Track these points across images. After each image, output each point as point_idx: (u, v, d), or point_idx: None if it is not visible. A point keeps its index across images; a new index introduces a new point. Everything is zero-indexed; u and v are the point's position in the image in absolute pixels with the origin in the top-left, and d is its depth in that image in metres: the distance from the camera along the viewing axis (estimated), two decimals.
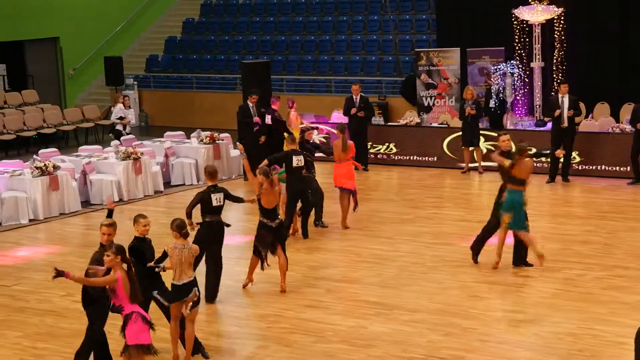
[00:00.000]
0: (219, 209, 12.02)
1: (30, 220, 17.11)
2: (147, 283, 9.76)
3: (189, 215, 11.71)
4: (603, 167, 19.01)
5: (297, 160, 14.63)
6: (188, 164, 19.97)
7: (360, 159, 20.40)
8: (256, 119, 19.65)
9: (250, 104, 19.76)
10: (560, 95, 18.54)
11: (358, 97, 20.49)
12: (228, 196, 12.13)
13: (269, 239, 12.36)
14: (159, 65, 30.06)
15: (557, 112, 18.38)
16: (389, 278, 13.03)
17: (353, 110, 20.35)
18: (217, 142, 20.42)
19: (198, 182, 19.72)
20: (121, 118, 22.15)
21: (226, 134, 20.95)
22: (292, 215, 15.02)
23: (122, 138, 21.02)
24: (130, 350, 9.05)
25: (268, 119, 19.40)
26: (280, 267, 12.50)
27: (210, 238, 11.98)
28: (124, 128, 22.17)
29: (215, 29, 30.70)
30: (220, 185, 12.21)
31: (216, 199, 11.94)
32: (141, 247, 9.92)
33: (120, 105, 22.35)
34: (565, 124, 18.42)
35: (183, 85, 29.01)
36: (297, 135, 19.57)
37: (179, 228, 10.00)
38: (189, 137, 21.13)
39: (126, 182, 18.49)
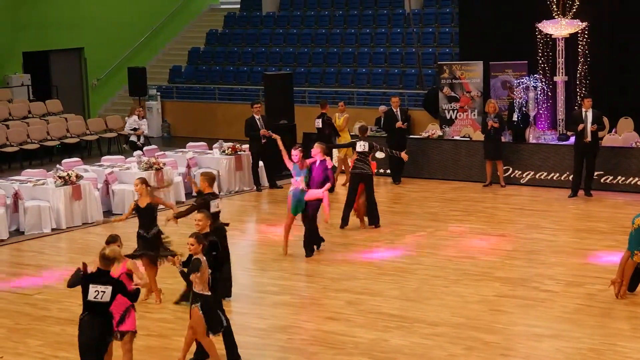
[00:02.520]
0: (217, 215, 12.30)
1: (52, 230, 17.19)
2: None
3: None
4: (626, 181, 18.90)
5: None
6: None
7: (399, 172, 20.43)
8: (263, 131, 19.69)
9: (256, 116, 19.83)
10: (584, 110, 18.48)
11: (398, 110, 20.51)
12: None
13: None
14: (182, 76, 30.18)
15: (581, 126, 18.31)
16: (411, 291, 13.01)
17: (398, 124, 20.31)
18: (238, 153, 20.46)
19: (219, 192, 19.74)
20: (135, 129, 22.08)
21: (247, 145, 20.98)
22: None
23: (145, 148, 21.09)
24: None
25: (319, 123, 19.46)
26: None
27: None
28: (138, 139, 22.10)
29: (239, 40, 30.80)
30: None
31: (215, 205, 12.30)
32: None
33: (134, 117, 22.34)
34: (589, 139, 18.35)
35: (206, 96, 29.09)
36: (347, 137, 19.89)
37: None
38: (211, 148, 21.19)
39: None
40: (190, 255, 9.95)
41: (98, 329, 9.00)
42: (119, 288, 9.08)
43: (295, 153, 14.52)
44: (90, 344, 8.98)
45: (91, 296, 8.93)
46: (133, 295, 9.38)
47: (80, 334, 9.04)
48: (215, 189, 13.12)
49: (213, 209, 12.20)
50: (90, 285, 8.94)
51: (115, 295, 9.03)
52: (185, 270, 9.90)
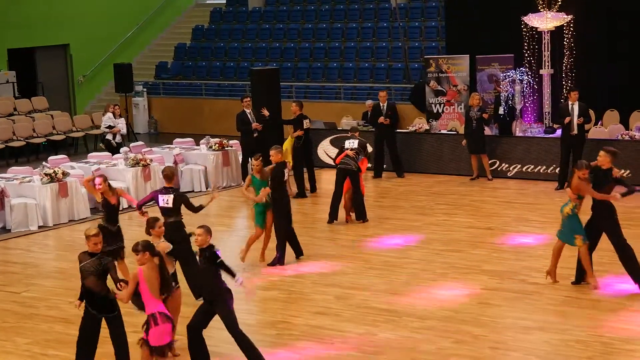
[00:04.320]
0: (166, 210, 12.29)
1: (39, 227, 17.15)
2: None
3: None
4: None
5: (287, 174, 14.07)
6: (197, 170, 20.00)
7: (395, 168, 20.47)
8: (255, 125, 19.67)
9: (247, 110, 19.81)
10: (570, 103, 18.52)
11: (385, 105, 20.50)
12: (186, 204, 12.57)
13: None
14: (168, 72, 30.11)
15: (567, 119, 18.36)
16: (399, 285, 13.03)
17: (380, 119, 20.32)
18: (226, 148, 20.44)
19: (207, 188, 19.74)
20: (110, 127, 21.79)
21: (235, 141, 20.97)
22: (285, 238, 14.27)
23: (132, 144, 20.99)
24: (154, 351, 9.44)
25: (307, 123, 19.43)
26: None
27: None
28: (114, 137, 21.73)
29: (225, 36, 30.75)
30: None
31: (164, 200, 12.30)
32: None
33: (109, 114, 21.98)
34: (575, 131, 18.40)
35: (192, 92, 29.05)
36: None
37: None
38: (198, 144, 21.15)
39: (135, 188, 18.52)
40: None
41: None
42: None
43: (256, 163, 14.08)
44: None
45: None
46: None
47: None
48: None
49: (161, 204, 12.30)
50: None
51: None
52: None
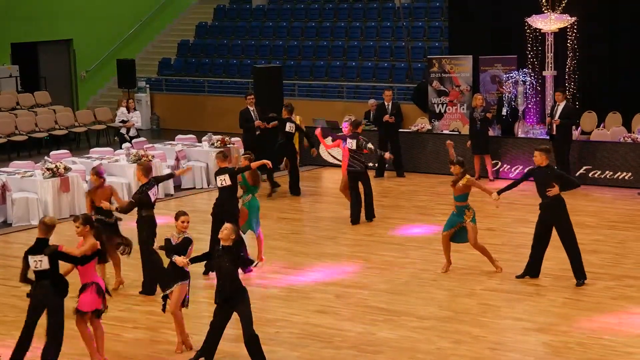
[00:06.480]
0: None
1: None
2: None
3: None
4: (614, 176, 18.96)
5: (221, 180, 13.65)
6: (199, 167, 20.00)
7: (396, 167, 20.47)
8: (257, 122, 19.65)
9: (251, 108, 19.79)
10: (557, 103, 18.65)
11: (390, 104, 20.52)
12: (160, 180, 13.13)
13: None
14: (171, 69, 30.12)
15: (548, 119, 18.54)
16: (399, 284, 13.03)
17: (386, 118, 20.32)
18: (227, 145, 20.43)
19: (209, 185, 19.75)
20: (124, 121, 21.85)
21: (237, 138, 20.97)
22: None
23: (134, 141, 21.02)
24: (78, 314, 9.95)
25: (291, 127, 19.37)
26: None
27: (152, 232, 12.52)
28: (127, 131, 21.79)
29: (228, 33, 30.75)
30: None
31: (154, 192, 12.56)
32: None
33: (122, 109, 22.03)
34: (554, 132, 18.49)
35: (195, 89, 29.05)
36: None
37: None
38: (200, 141, 21.16)
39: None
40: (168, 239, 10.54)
41: (41, 290, 9.81)
42: (56, 255, 9.75)
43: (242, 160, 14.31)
44: (35, 304, 9.92)
45: (32, 267, 9.83)
46: (75, 259, 9.89)
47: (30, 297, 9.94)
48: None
49: (153, 198, 12.45)
50: (30, 257, 9.78)
51: (55, 261, 9.78)
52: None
